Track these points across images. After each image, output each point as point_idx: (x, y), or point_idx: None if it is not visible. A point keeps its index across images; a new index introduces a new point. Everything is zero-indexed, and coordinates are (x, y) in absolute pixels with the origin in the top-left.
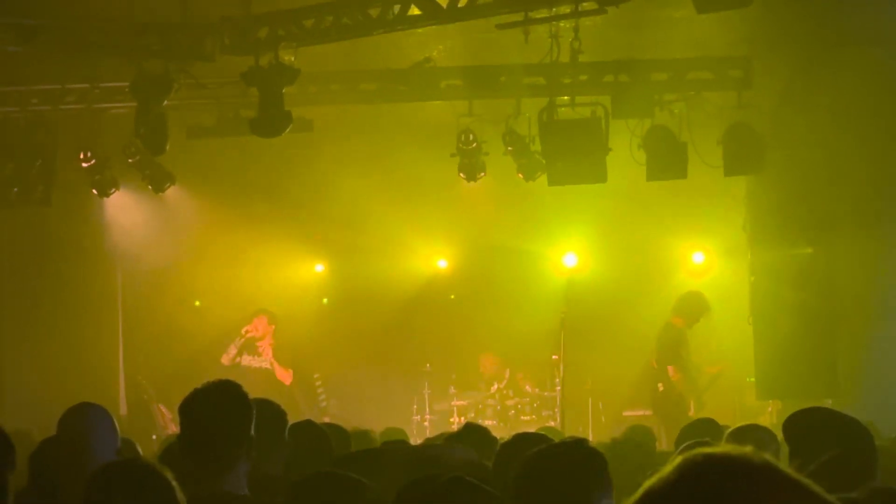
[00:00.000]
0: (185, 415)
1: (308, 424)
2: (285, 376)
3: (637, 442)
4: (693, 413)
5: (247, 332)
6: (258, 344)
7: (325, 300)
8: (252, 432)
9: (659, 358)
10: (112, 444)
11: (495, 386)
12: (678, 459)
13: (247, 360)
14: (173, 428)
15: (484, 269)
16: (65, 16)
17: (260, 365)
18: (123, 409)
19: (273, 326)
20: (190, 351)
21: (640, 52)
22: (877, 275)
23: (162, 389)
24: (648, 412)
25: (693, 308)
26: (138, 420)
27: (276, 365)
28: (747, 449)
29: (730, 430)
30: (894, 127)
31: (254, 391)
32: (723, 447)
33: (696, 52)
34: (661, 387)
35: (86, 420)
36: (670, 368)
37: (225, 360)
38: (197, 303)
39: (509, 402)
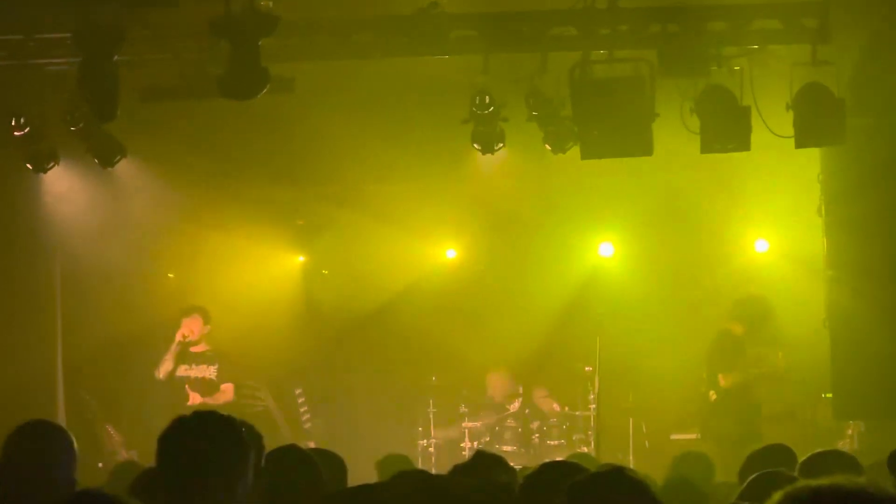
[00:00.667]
0: (164, 448)
1: (292, 450)
2: (226, 391)
3: (689, 478)
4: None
5: (184, 337)
6: (195, 350)
7: (325, 271)
8: (248, 471)
9: (710, 366)
10: (70, 469)
11: (516, 403)
12: (777, 496)
13: (184, 370)
14: (124, 454)
15: (501, 260)
16: None
17: (203, 375)
18: None
19: (209, 327)
20: (144, 362)
21: None
22: None
23: (110, 407)
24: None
25: (755, 315)
26: (81, 443)
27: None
28: (861, 480)
29: (804, 457)
30: None
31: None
32: (832, 479)
33: None
34: (713, 395)
35: (40, 441)
36: (720, 377)
37: (160, 374)
38: (171, 275)
39: (533, 425)
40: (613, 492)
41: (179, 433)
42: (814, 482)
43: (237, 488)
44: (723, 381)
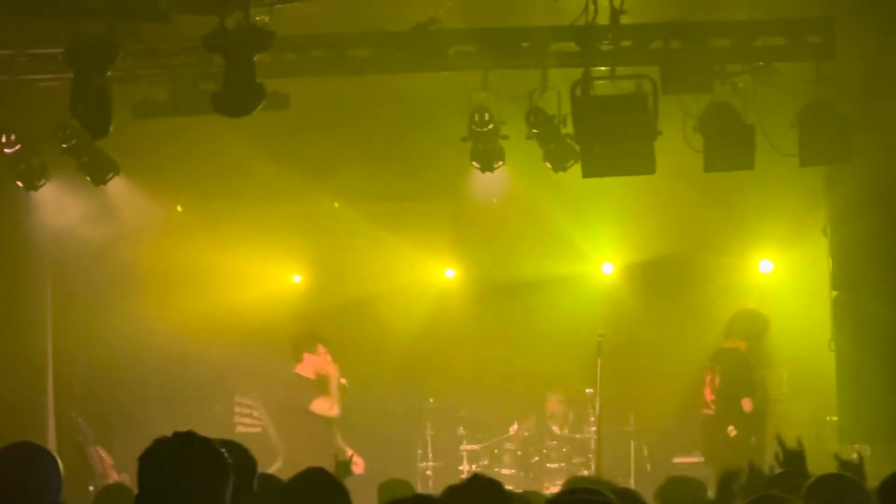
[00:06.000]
0: (143, 471)
1: (322, 474)
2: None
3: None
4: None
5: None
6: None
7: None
8: (225, 495)
9: (724, 392)
10: (56, 492)
11: (514, 427)
12: None
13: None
14: (114, 476)
15: (501, 280)
16: None
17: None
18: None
19: None
20: (137, 384)
21: (696, 12)
22: None
23: (101, 429)
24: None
25: (753, 328)
26: (71, 466)
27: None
28: None
29: (810, 480)
30: None
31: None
32: None
33: (765, 13)
34: (732, 431)
35: (25, 464)
36: (746, 402)
37: (335, 411)
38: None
39: (532, 448)
40: None
41: (155, 455)
42: None
43: None
44: (747, 406)
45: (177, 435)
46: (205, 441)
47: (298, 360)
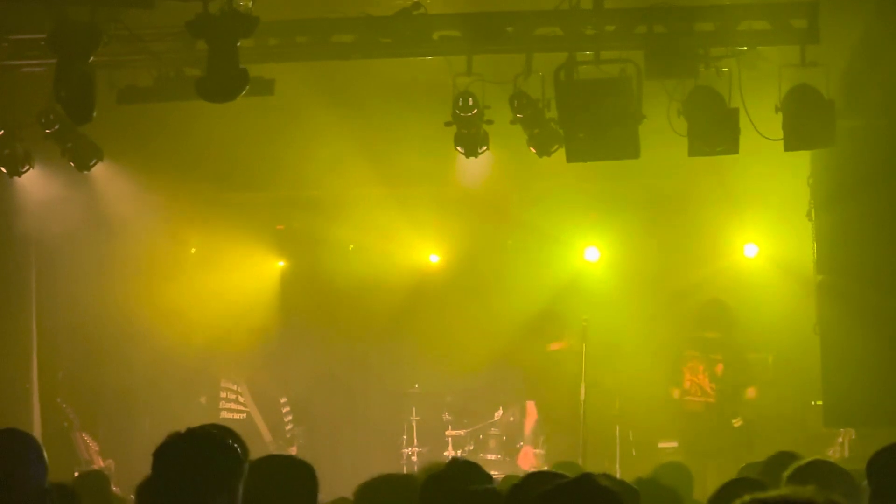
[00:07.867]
0: (158, 467)
1: (286, 460)
2: None
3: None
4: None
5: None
6: None
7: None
8: (237, 491)
9: (727, 381)
10: (39, 477)
11: (499, 412)
12: None
13: None
14: (99, 461)
15: (485, 265)
16: None
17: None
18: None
19: None
20: (122, 370)
21: None
22: None
23: (87, 415)
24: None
25: (727, 318)
26: (56, 452)
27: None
28: (808, 489)
29: (793, 466)
30: None
31: None
32: (781, 490)
33: None
34: (738, 422)
35: (9, 451)
36: (751, 390)
37: None
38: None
39: (517, 433)
40: (581, 500)
41: (172, 447)
42: (762, 494)
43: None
44: (752, 394)
45: (190, 431)
46: (218, 437)
47: (558, 337)
